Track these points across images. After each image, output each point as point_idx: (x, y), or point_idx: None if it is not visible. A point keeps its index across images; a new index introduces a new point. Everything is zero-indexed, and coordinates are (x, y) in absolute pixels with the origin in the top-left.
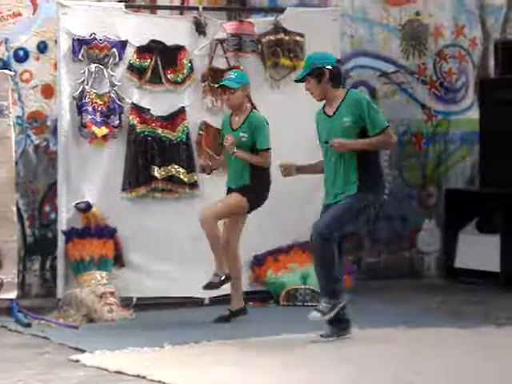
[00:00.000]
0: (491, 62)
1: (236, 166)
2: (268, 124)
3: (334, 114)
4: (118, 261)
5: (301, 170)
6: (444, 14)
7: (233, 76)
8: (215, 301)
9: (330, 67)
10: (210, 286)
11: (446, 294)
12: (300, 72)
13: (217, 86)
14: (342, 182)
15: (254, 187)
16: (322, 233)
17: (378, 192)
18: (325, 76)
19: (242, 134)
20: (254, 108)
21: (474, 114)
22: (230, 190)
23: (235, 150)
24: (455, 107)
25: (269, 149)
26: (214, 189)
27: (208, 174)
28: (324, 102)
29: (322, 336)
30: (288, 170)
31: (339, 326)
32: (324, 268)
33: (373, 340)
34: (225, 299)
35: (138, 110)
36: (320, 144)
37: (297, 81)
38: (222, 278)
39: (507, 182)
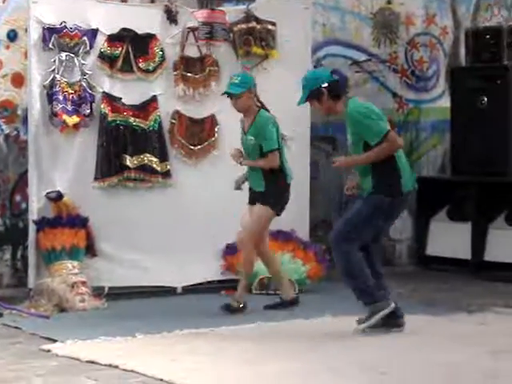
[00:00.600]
0: (462, 51)
1: (252, 170)
2: (275, 123)
3: (346, 127)
4: (90, 250)
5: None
6: (415, 3)
7: (236, 81)
8: (188, 290)
9: (326, 84)
10: (226, 308)
11: (417, 281)
12: (300, 97)
13: (222, 94)
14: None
15: (270, 192)
16: (334, 238)
17: (393, 193)
18: (324, 95)
19: (250, 138)
20: (263, 107)
21: (445, 102)
22: (250, 191)
23: (241, 160)
24: (426, 95)
25: (275, 149)
26: (187, 178)
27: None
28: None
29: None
30: None
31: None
32: (347, 276)
33: (345, 328)
34: (197, 288)
35: (109, 98)
36: None
37: (299, 104)
38: (241, 305)
39: (478, 171)
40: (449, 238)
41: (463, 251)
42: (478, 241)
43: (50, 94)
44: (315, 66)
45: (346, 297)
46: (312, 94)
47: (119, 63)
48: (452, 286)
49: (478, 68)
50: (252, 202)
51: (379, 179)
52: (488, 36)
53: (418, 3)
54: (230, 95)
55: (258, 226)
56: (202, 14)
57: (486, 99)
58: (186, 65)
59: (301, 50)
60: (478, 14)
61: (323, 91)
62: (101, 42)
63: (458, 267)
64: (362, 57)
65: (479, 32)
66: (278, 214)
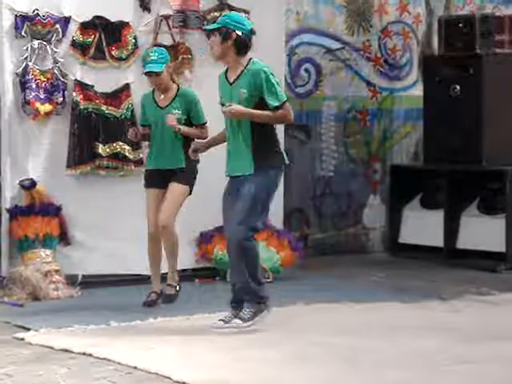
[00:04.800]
0: (435, 39)
1: (164, 146)
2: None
3: (234, 81)
4: (64, 238)
5: (208, 145)
6: None
7: (154, 57)
8: (162, 278)
9: (239, 33)
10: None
11: (390, 269)
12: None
13: (142, 73)
14: (240, 155)
15: (189, 169)
16: (239, 234)
17: (277, 166)
18: (230, 39)
19: (176, 111)
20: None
21: (419, 90)
22: (156, 173)
23: (180, 127)
24: (400, 84)
25: (206, 123)
26: None
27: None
28: (227, 65)
29: (223, 321)
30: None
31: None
32: (246, 271)
33: (319, 315)
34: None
35: (81, 86)
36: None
37: (205, 29)
38: (178, 287)
39: (450, 159)
40: (422, 226)
41: (436, 239)
42: (451, 228)
43: (22, 82)
44: (288, 55)
45: (320, 285)
46: (222, 29)
47: (92, 51)
48: (425, 274)
49: (451, 56)
50: (160, 183)
51: (261, 155)
52: (461, 24)
53: None
54: (150, 73)
55: (176, 206)
56: (175, 2)
57: (458, 88)
58: None
59: (274, 39)
60: (450, 3)
61: (232, 35)
62: (73, 30)
63: (430, 255)
64: (336, 45)
65: (452, 20)
66: (190, 194)
